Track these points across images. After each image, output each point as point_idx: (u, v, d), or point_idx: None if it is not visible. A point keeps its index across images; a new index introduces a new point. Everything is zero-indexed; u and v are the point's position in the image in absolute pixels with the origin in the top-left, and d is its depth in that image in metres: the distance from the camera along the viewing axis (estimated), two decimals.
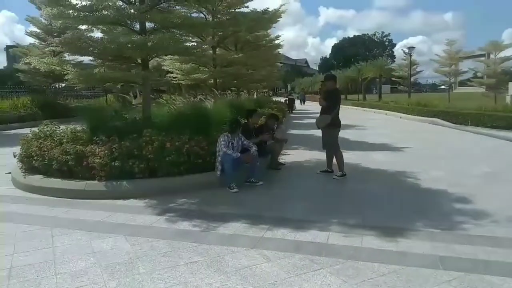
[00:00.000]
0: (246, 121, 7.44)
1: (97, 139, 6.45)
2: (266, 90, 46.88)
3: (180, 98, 10.27)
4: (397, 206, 5.28)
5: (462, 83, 42.00)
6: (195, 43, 9.98)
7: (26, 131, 7.81)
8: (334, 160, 7.19)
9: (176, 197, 5.74)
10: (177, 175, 6.16)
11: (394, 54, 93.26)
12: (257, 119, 7.49)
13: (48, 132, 7.08)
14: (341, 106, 7.12)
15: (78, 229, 4.51)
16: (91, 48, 6.64)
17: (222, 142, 6.22)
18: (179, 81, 13.79)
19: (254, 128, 7.45)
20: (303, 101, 45.97)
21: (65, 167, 6.07)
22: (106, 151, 6.00)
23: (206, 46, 11.66)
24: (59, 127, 7.45)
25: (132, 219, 4.83)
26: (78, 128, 7.32)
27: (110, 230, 4.45)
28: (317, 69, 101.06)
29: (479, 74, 31.07)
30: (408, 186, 6.36)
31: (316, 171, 7.40)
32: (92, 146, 6.27)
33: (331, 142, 7.02)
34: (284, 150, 9.21)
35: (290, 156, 9.36)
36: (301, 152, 10.02)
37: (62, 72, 7.00)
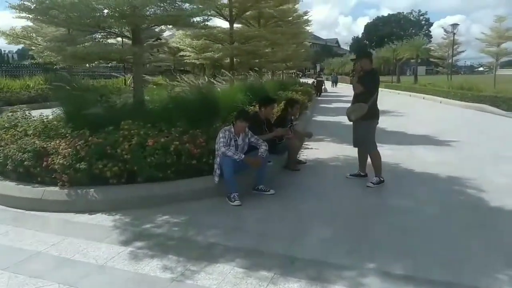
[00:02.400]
0: (256, 112, 5.89)
1: (65, 132, 5.11)
2: (294, 71, 44.85)
3: (189, 80, 8.81)
4: (465, 243, 3.67)
5: (503, 65, 38.39)
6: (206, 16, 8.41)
7: (35, 113, 6.54)
8: (369, 160, 5.59)
9: (157, 212, 4.35)
10: (162, 181, 4.75)
11: (431, 33, 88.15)
12: (271, 110, 5.90)
13: (14, 121, 5.80)
14: None
15: (3, 268, 3.18)
16: (63, 16, 5.22)
17: (221, 139, 4.73)
18: (192, 60, 12.32)
19: (267, 120, 5.89)
20: (335, 83, 43.40)
21: (21, 168, 4.76)
22: (70, 149, 4.63)
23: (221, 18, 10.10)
24: (31, 115, 6.15)
25: (84, 251, 3.46)
26: (51, 116, 6.01)
27: (44, 273, 3.08)
28: (348, 49, 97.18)
29: None
30: (472, 205, 4.67)
31: (346, 175, 5.81)
32: (58, 142, 4.93)
33: (366, 139, 5.40)
34: (305, 143, 7.64)
35: (312, 150, 7.76)
36: (326, 146, 8.39)
37: (32, 47, 5.67)
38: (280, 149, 6.05)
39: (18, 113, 6.13)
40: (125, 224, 4.04)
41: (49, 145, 4.86)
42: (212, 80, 9.55)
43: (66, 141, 4.89)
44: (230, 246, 3.51)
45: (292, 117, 6.73)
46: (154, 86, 8.39)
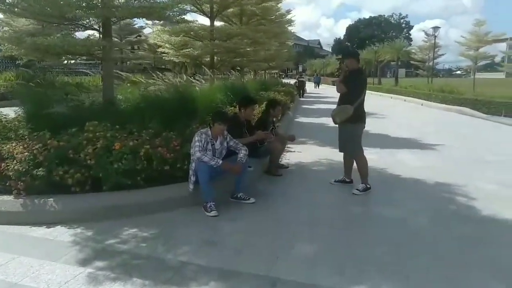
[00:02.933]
0: (236, 113, 5.50)
1: (23, 134, 4.62)
2: (276, 71, 44.63)
3: (166, 78, 8.34)
4: (460, 258, 3.37)
5: (480, 69, 39.01)
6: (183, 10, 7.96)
7: (6, 111, 5.93)
8: (354, 166, 5.28)
9: (124, 224, 3.91)
10: (132, 189, 4.31)
11: (411, 37, 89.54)
12: (252, 111, 5.51)
13: None
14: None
15: None
16: (25, 4, 4.71)
17: (197, 143, 4.33)
18: (171, 58, 11.83)
19: (248, 122, 5.50)
20: (317, 84, 43.19)
21: None
22: (27, 153, 4.14)
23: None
24: None
25: (35, 273, 3.00)
26: (12, 115, 5.48)
27: None
28: (330, 50, 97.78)
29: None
30: (464, 215, 4.39)
31: (330, 181, 5.49)
32: (14, 145, 4.42)
33: (352, 143, 5.09)
34: (287, 146, 7.30)
35: (295, 154, 7.43)
36: (309, 149, 8.08)
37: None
38: (262, 153, 5.69)
39: None
40: (86, 239, 3.60)
41: (3, 148, 4.35)
42: (191, 79, 9.09)
43: (24, 144, 4.39)
44: (203, 266, 3.11)
45: (274, 119, 6.37)
46: (128, 84, 7.88)
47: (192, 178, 4.37)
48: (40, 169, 4.07)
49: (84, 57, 6.63)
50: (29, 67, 19.65)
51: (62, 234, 3.71)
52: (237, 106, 5.48)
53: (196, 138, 4.37)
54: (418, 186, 5.45)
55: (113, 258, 3.22)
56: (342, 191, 5.15)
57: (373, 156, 6.73)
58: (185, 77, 8.99)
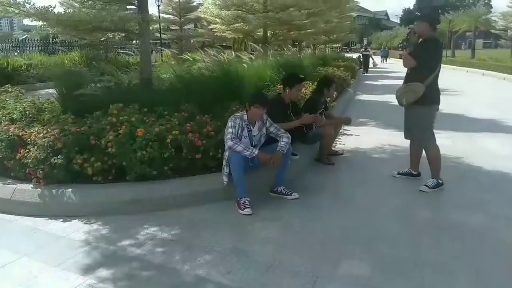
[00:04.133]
0: (280, 94, 4.74)
1: (51, 118, 4.29)
2: (338, 45, 42.51)
3: (213, 54, 7.76)
4: None
5: None
6: None
7: None
8: (424, 156, 4.35)
9: (145, 221, 3.43)
10: (158, 179, 3.81)
11: (491, 3, 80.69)
12: (299, 91, 4.67)
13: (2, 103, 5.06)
14: None
15: None
16: None
17: (230, 130, 3.69)
18: (222, 33, 11.24)
19: (294, 104, 4.72)
20: (385, 57, 40.28)
21: None
22: (45, 140, 3.78)
23: None
24: (23, 95, 5.39)
25: (32, 280, 2.60)
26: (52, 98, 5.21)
27: None
28: (398, 22, 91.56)
29: None
30: None
31: (393, 173, 4.61)
32: (37, 130, 4.09)
33: (422, 130, 4.15)
34: (344, 128, 6.43)
35: (352, 138, 6.54)
36: (369, 132, 7.11)
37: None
38: (311, 139, 4.92)
39: (13, 92, 5.40)
40: (99, 239, 3.16)
41: (27, 133, 4.04)
42: (241, 55, 8.43)
43: (47, 128, 4.04)
44: (224, 284, 2.51)
45: (327, 100, 5.54)
46: (173, 63, 7.44)
47: (226, 170, 3.76)
48: (58, 156, 3.70)
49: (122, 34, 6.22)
50: (93, 47, 20.27)
51: (76, 230, 3.31)
52: (282, 85, 4.70)
53: (229, 124, 3.72)
54: (507, 182, 4.39)
55: (121, 266, 2.74)
56: (408, 188, 4.26)
57: (446, 142, 5.66)
58: (233, 53, 8.35)
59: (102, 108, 4.35)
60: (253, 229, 3.28)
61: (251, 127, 3.85)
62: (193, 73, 6.30)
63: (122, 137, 3.74)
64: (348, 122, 5.25)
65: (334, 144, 5.75)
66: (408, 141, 4.45)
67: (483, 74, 21.17)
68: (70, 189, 3.66)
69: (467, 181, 4.44)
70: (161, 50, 21.26)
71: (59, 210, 3.60)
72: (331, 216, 3.52)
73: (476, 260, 2.78)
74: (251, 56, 8.51)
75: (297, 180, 4.39)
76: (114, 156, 3.75)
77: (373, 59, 25.29)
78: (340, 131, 6.09)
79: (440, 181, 4.17)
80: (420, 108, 4.05)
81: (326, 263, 2.74)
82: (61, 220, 3.50)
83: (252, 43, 10.62)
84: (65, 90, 4.95)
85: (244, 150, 3.58)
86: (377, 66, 27.82)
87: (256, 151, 3.63)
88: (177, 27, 30.29)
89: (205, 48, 8.06)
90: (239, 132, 3.74)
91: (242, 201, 3.62)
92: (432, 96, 4.02)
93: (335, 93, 7.15)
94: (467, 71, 23.54)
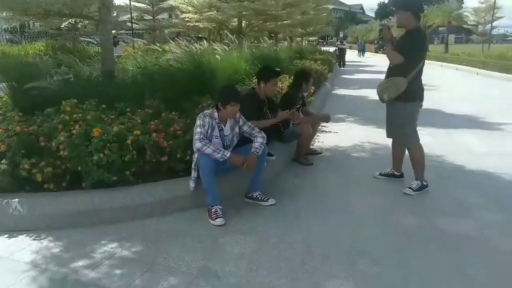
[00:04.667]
0: (254, 89, 4.36)
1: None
2: (315, 38, 42.35)
3: (182, 45, 7.31)
4: None
5: None
6: None
7: None
8: (406, 155, 4.10)
9: (103, 235, 3.03)
10: (118, 186, 3.40)
11: None
12: (275, 85, 4.27)
13: None
14: None
15: None
16: None
17: (198, 130, 3.31)
18: (195, 23, 10.74)
19: (270, 100, 4.36)
20: (362, 51, 40.28)
21: None
22: None
23: None
24: None
25: None
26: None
27: None
28: (374, 15, 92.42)
29: None
30: None
31: (375, 174, 4.34)
32: None
33: (405, 128, 3.88)
34: (322, 124, 6.14)
35: (330, 135, 6.27)
36: (348, 129, 6.86)
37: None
38: (287, 137, 4.60)
39: None
40: (48, 259, 2.73)
41: None
42: (214, 46, 8.00)
43: None
44: None
45: (305, 95, 5.23)
46: (140, 53, 6.95)
47: (194, 174, 3.38)
48: (2, 161, 3.23)
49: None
50: (59, 36, 19.24)
51: (22, 249, 2.87)
52: (256, 79, 4.32)
53: (198, 123, 3.34)
54: (492, 183, 4.19)
55: None
56: (391, 190, 4.00)
57: (427, 139, 5.45)
58: (205, 43, 7.91)
59: (57, 104, 3.88)
60: (225, 243, 2.93)
61: (223, 126, 3.48)
62: (161, 65, 5.87)
63: (76, 138, 3.30)
64: (326, 119, 4.94)
65: (312, 142, 5.45)
66: (390, 139, 4.20)
67: (457, 69, 21.39)
68: (16, 199, 3.19)
69: (451, 182, 4.22)
70: (132, 41, 20.46)
71: (3, 224, 3.14)
72: (310, 225, 3.20)
73: (470, 272, 2.52)
74: (225, 47, 8.07)
75: (273, 183, 4.07)
76: (68, 160, 3.31)
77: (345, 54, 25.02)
78: (319, 128, 5.80)
79: (425, 183, 3.93)
80: (402, 105, 3.78)
81: (306, 285, 2.42)
82: (6, 236, 3.06)
83: (228, 34, 10.18)
84: (16, 84, 4.43)
85: (215, 153, 3.21)
86: (349, 61, 27.69)
87: (228, 154, 3.26)
88: (150, 17, 29.31)
89: (176, 39, 7.57)
90: (208, 132, 3.36)
91: (213, 210, 3.26)
92: (415, 91, 3.76)
93: (313, 87, 6.84)
94: (441, 66, 23.76)
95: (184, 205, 3.47)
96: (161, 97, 4.51)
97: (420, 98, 3.85)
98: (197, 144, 3.21)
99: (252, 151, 3.39)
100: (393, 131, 4.03)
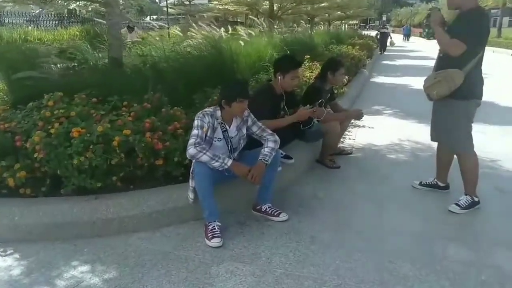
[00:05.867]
0: (269, 82, 3.68)
1: None
2: (356, 22, 40.59)
3: (205, 30, 6.74)
4: None
5: None
6: None
7: None
8: (455, 163, 3.34)
9: (76, 253, 2.56)
10: (104, 193, 2.91)
11: None
12: (293, 78, 3.52)
13: None
14: None
15: None
16: None
17: (194, 131, 2.74)
18: (225, 6, 10.14)
19: (289, 95, 3.67)
20: (407, 36, 38.13)
21: None
22: None
23: None
24: None
25: None
26: None
27: None
28: None
29: None
30: None
31: (414, 183, 3.61)
32: None
33: (457, 133, 3.11)
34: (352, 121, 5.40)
35: (363, 130, 5.54)
36: (385, 123, 6.06)
37: None
38: (312, 136, 3.92)
39: None
40: (3, 285, 2.29)
41: None
42: (240, 30, 7.38)
43: None
44: None
45: (334, 87, 4.51)
46: (157, 39, 6.46)
47: (191, 183, 2.83)
48: None
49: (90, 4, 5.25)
50: (93, 21, 19.23)
51: None
52: (273, 70, 3.64)
53: (195, 123, 2.77)
54: None
55: None
56: (433, 207, 3.26)
57: (479, 137, 4.53)
58: (230, 28, 7.31)
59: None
60: (218, 274, 2.36)
61: (227, 127, 2.88)
62: (179, 52, 5.35)
63: (54, 138, 2.83)
64: (359, 116, 4.19)
65: (341, 140, 4.77)
66: (436, 144, 3.45)
67: (511, 55, 19.54)
68: None
69: (511, 197, 3.42)
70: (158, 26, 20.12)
71: None
72: (326, 256, 2.55)
73: None
74: (252, 32, 7.42)
75: (289, 192, 3.46)
76: (46, 162, 2.85)
77: (391, 38, 23.42)
78: (350, 123, 5.06)
79: (476, 199, 3.17)
80: (455, 103, 3.02)
81: None
82: None
83: (257, 19, 9.51)
84: (12, 73, 4.04)
85: (212, 160, 2.63)
86: (395, 45, 26.06)
87: (229, 162, 2.67)
88: (186, 1, 28.98)
89: (200, 23, 7.03)
90: (208, 133, 2.78)
91: (210, 227, 2.71)
92: (472, 87, 2.98)
93: (346, 77, 6.08)
94: (493, 52, 21.79)
95: (179, 217, 2.94)
96: (169, 88, 3.99)
97: (478, 95, 3.06)
98: (190, 150, 2.64)
99: (259, 158, 2.78)
100: (440, 134, 3.27)
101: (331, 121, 3.89)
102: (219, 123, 2.84)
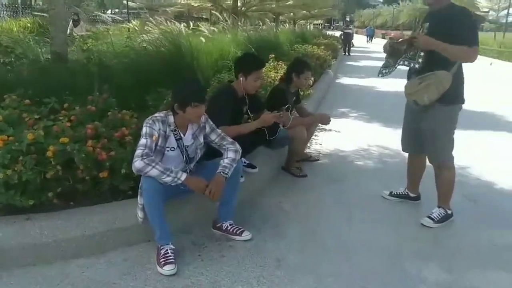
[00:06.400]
0: (230, 83, 3.34)
1: None
2: (320, 22, 40.99)
3: (163, 25, 6.32)
4: None
5: None
6: None
7: None
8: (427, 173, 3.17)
9: None
10: (38, 212, 2.49)
11: None
12: (257, 79, 3.16)
13: None
14: None
15: None
16: None
17: (142, 140, 2.38)
18: (189, 1, 9.70)
19: (252, 98, 3.35)
20: (370, 37, 38.76)
21: None
22: None
23: None
24: None
25: None
26: None
27: None
28: (381, 0, 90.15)
29: None
30: None
31: (383, 192, 3.42)
32: None
33: (439, 140, 2.89)
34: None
35: (330, 135, 5.35)
36: (352, 126, 5.90)
37: None
38: (278, 142, 3.64)
39: None
40: None
41: None
42: (201, 26, 7.00)
43: None
44: None
45: (300, 90, 4.27)
46: (111, 33, 5.98)
47: (140, 200, 2.46)
48: None
49: None
50: (45, 11, 18.10)
51: None
52: (234, 71, 3.31)
53: (143, 131, 2.41)
54: None
55: None
56: (404, 218, 3.08)
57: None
58: (191, 24, 6.92)
59: None
60: None
61: (181, 134, 2.54)
62: (132, 47, 4.92)
63: None
64: (326, 121, 3.93)
65: (308, 145, 4.54)
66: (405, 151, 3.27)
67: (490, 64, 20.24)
68: None
69: (483, 209, 3.30)
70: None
71: None
72: (295, 283, 2.27)
73: None
74: (214, 28, 7.06)
75: (253, 206, 3.16)
76: None
77: (352, 38, 23.60)
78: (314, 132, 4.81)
79: (449, 212, 3.01)
80: (444, 109, 2.80)
81: None
82: None
83: (220, 15, 9.16)
84: None
85: (163, 175, 2.28)
86: (356, 47, 26.35)
87: (182, 176, 2.33)
88: None
89: (157, 17, 6.59)
90: (160, 143, 2.43)
91: (162, 252, 2.36)
92: (457, 90, 2.80)
93: (312, 79, 5.86)
94: None
95: (126, 240, 2.57)
96: (118, 88, 3.58)
97: (462, 99, 2.88)
98: (136, 163, 2.28)
99: (218, 171, 2.46)
100: (423, 145, 3.02)
101: (298, 126, 3.62)
102: (171, 130, 2.49)
